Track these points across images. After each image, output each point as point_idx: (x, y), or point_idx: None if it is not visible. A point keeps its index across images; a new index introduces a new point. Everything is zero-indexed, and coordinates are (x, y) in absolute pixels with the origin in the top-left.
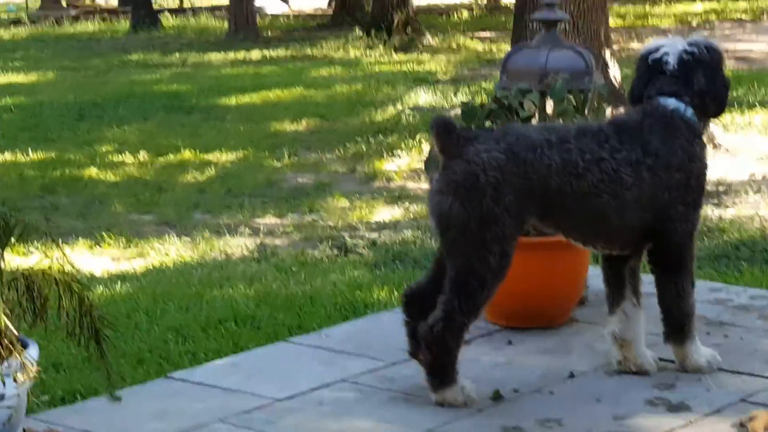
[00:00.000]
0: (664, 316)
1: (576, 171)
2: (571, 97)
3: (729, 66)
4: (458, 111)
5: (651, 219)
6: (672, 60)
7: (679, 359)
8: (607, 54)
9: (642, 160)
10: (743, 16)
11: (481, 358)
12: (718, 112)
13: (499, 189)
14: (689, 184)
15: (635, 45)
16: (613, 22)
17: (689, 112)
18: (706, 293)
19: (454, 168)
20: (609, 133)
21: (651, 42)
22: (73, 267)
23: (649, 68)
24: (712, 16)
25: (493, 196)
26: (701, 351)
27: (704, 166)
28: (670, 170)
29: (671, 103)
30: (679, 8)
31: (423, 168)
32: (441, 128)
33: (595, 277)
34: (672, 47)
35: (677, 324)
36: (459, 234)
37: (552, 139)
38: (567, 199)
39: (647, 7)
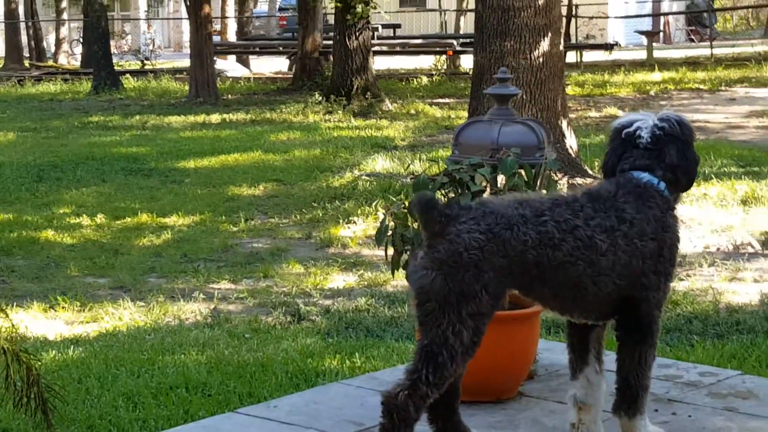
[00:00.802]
0: (620, 387)
1: (552, 242)
2: (522, 171)
3: None
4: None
5: (625, 287)
6: (645, 134)
7: None
8: (564, 124)
9: (617, 227)
10: (701, 86)
11: None
12: (688, 186)
13: (480, 266)
14: (662, 253)
15: (593, 114)
16: (571, 90)
17: (662, 185)
18: (655, 369)
19: (437, 247)
20: (583, 203)
21: (624, 116)
22: (19, 337)
23: (622, 142)
24: (670, 86)
25: (474, 273)
26: (649, 428)
27: (677, 238)
28: (644, 238)
29: (644, 176)
30: (637, 77)
31: (375, 239)
32: (423, 206)
33: (544, 351)
34: (644, 122)
35: (632, 396)
36: (438, 306)
37: (527, 214)
38: (544, 270)
39: (606, 76)
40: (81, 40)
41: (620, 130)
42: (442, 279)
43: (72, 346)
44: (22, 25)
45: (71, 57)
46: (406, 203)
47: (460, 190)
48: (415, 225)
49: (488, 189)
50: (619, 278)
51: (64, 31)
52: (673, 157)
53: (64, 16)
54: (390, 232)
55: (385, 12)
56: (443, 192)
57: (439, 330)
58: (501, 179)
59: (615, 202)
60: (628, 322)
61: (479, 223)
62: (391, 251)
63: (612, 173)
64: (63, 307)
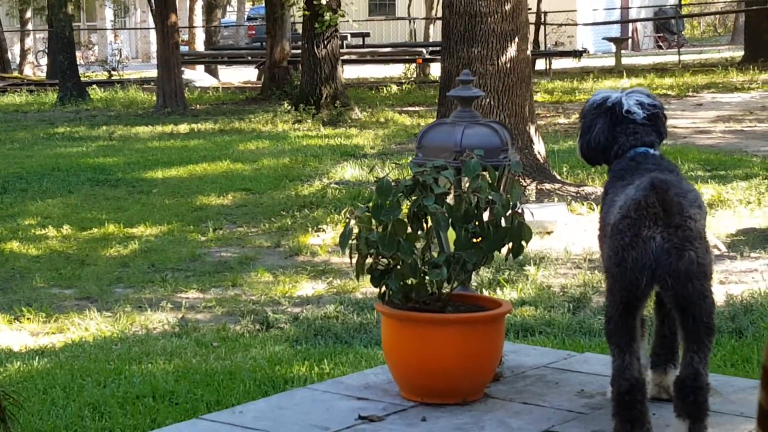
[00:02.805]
0: None
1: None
2: (485, 173)
3: None
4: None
5: None
6: (639, 109)
7: None
8: (532, 129)
9: None
10: (669, 92)
11: None
12: None
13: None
14: None
15: (562, 120)
16: (540, 97)
17: None
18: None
19: (685, 224)
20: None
21: (597, 93)
22: None
23: (612, 117)
24: None
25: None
26: None
27: None
28: None
29: (657, 153)
30: (606, 84)
31: (339, 243)
32: (663, 189)
33: (510, 353)
34: (628, 97)
35: None
36: (705, 280)
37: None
38: None
39: (575, 83)
40: (46, 50)
41: (606, 106)
42: (703, 252)
43: (37, 357)
44: None
45: (36, 68)
46: (370, 207)
47: (423, 193)
48: (379, 229)
49: (452, 191)
50: None
51: (29, 41)
52: (665, 131)
53: (29, 26)
54: (354, 237)
55: (354, 21)
56: (407, 196)
57: (707, 301)
58: (465, 181)
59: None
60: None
61: (695, 200)
62: (356, 257)
63: (604, 150)
64: (28, 318)
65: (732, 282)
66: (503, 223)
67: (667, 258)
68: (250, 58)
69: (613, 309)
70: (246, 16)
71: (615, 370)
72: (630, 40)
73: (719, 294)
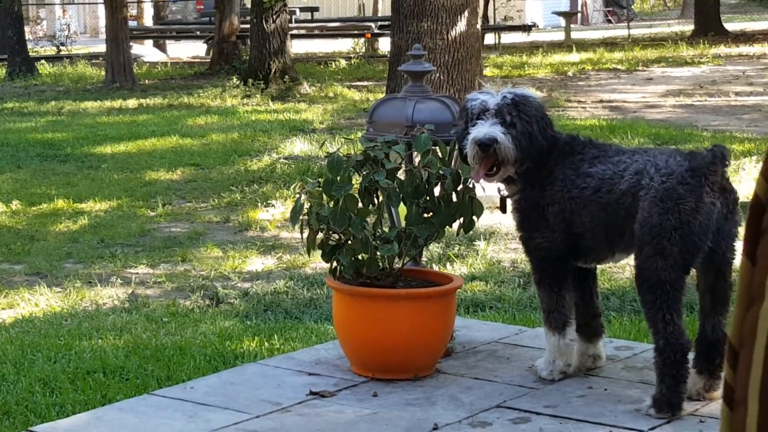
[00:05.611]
0: None
1: None
2: (436, 148)
3: (604, 115)
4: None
5: None
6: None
7: None
8: None
9: None
10: (618, 66)
11: (345, 410)
12: None
13: None
14: None
15: None
16: (490, 71)
17: None
18: None
19: (734, 190)
20: None
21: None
22: None
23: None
24: (588, 66)
25: None
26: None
27: None
28: None
29: None
30: (555, 58)
31: (290, 218)
32: (725, 157)
33: (462, 328)
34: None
35: None
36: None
37: None
38: None
39: (524, 57)
40: None
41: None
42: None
43: None
44: None
45: None
46: (321, 181)
47: (374, 168)
48: (331, 204)
49: (403, 166)
50: None
51: None
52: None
53: None
54: (305, 212)
55: None
56: (358, 171)
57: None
58: (416, 156)
59: None
60: None
61: None
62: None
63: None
64: None
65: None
66: (454, 198)
67: (725, 222)
68: (198, 32)
69: (673, 273)
70: None
71: (672, 334)
72: (579, 15)
73: None
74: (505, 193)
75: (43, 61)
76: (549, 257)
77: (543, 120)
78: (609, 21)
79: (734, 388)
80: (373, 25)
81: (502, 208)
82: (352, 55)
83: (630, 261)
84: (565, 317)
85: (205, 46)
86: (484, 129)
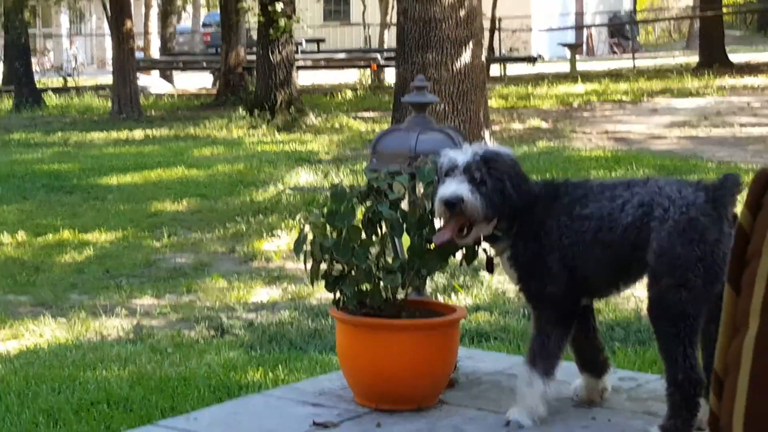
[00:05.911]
0: None
1: None
2: None
3: (609, 146)
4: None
5: None
6: None
7: None
8: (487, 135)
9: None
10: (623, 98)
11: None
12: None
13: None
14: None
15: (517, 126)
16: (495, 102)
17: None
18: (576, 375)
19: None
20: None
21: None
22: None
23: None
24: (593, 97)
25: None
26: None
27: None
28: None
29: None
30: (560, 89)
31: (294, 249)
32: (740, 186)
33: (465, 359)
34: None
35: None
36: None
37: None
38: None
39: (529, 88)
40: (2, 57)
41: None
42: None
43: None
44: None
45: None
46: (325, 213)
47: (378, 199)
48: (334, 234)
49: (406, 197)
50: None
51: None
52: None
53: None
54: (309, 243)
55: (309, 26)
56: (362, 202)
57: None
58: (419, 187)
59: None
60: None
61: None
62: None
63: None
64: None
65: None
66: None
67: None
68: (205, 64)
69: (697, 305)
70: (201, 23)
71: (693, 367)
72: (585, 46)
73: None
74: (492, 252)
75: (50, 92)
76: (562, 302)
77: (517, 176)
78: (614, 52)
79: (718, 416)
80: (378, 56)
81: (489, 268)
82: (357, 87)
83: (635, 291)
84: (558, 361)
85: (211, 78)
86: (451, 187)
